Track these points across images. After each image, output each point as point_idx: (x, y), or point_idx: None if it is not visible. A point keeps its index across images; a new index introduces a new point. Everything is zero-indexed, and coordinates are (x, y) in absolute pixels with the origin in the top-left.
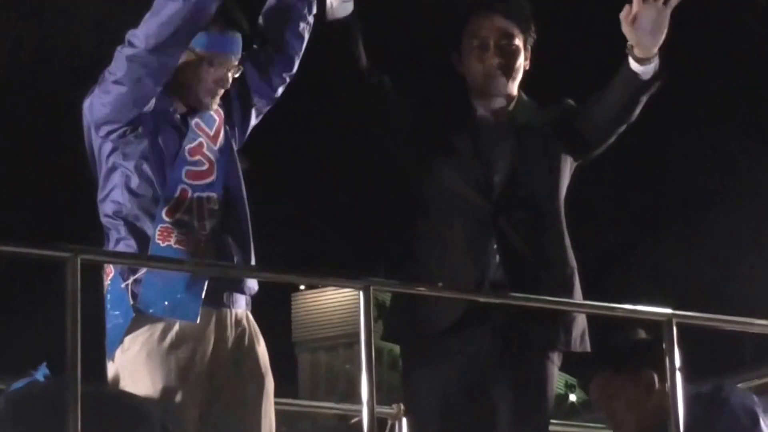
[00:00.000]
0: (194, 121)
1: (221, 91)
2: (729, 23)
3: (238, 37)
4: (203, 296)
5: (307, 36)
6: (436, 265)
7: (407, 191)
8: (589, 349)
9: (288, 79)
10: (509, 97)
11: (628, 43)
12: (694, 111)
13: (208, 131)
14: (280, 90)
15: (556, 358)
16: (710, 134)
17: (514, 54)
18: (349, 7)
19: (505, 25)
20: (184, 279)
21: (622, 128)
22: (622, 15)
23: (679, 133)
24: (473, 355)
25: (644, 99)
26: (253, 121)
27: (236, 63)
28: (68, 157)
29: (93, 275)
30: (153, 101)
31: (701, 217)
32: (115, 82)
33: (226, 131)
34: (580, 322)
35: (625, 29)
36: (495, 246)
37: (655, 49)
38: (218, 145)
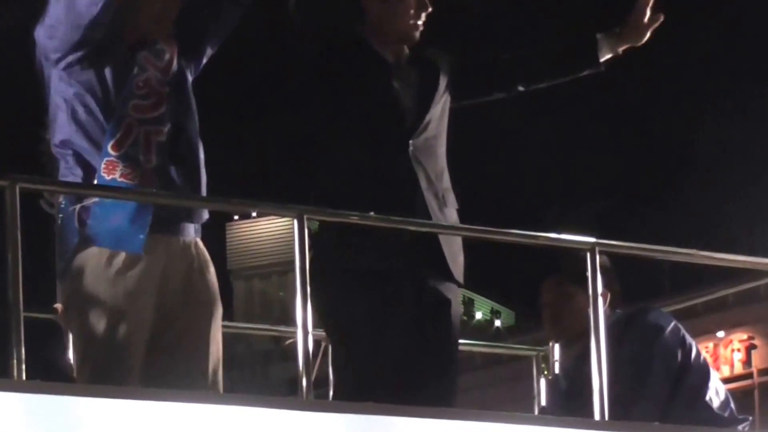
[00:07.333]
0: (142, 54)
1: (167, 21)
2: None
3: None
4: (152, 225)
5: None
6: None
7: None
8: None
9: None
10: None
11: (621, 43)
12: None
13: (158, 63)
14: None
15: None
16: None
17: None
18: None
19: None
20: (130, 211)
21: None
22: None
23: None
24: (396, 290)
25: None
26: (209, 52)
27: None
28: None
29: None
30: (95, 30)
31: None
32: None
33: (180, 64)
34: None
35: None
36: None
37: None
38: (169, 76)
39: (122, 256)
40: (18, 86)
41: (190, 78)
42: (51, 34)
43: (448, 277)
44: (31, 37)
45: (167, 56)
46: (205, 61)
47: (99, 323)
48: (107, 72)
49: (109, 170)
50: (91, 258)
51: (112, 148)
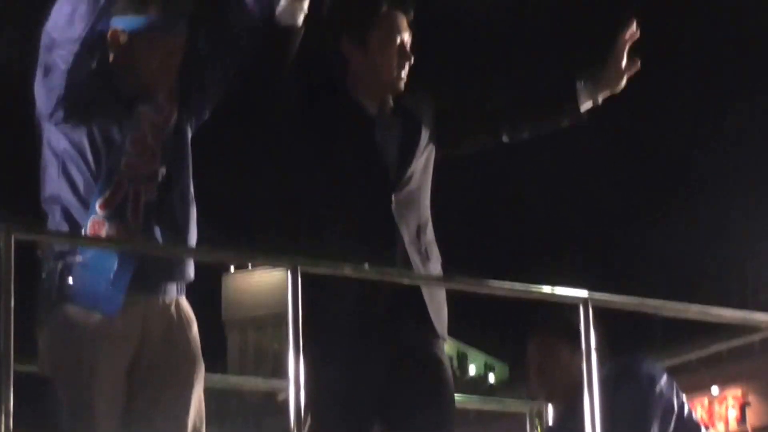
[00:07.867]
0: (141, 109)
1: (168, 75)
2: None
3: (179, 18)
4: (132, 285)
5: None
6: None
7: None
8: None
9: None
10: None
11: (600, 91)
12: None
13: (156, 118)
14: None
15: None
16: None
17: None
18: (299, 16)
19: (408, 23)
20: (110, 274)
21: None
22: (623, 68)
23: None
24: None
25: None
26: (210, 106)
27: (179, 45)
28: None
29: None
30: (89, 85)
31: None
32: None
33: (181, 117)
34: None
35: (621, 84)
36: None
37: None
38: (167, 130)
39: (98, 318)
40: (22, 132)
41: (189, 132)
42: (42, 91)
43: (433, 332)
44: (31, 88)
45: (167, 110)
46: (206, 115)
47: (70, 381)
48: (98, 128)
49: (95, 229)
50: (67, 316)
51: (100, 206)
